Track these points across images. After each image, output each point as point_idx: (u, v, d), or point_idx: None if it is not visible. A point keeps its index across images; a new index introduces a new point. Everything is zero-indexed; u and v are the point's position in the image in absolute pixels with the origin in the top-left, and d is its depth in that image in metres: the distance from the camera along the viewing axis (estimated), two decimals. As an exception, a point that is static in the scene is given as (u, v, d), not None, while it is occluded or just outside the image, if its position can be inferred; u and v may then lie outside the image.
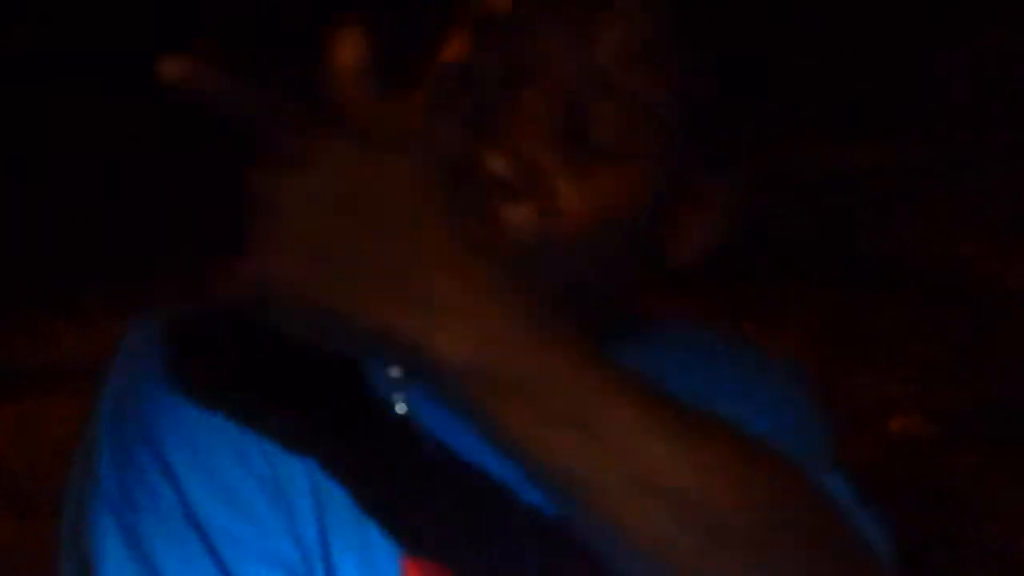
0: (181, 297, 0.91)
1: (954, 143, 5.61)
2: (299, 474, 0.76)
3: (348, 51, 0.60)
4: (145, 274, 4.89)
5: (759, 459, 0.66)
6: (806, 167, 5.18)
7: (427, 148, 0.63)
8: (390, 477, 0.78)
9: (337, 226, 0.60)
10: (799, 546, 0.66)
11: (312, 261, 0.60)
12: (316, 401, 0.76)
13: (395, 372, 0.77)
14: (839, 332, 4.53)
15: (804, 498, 0.68)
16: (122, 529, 0.74)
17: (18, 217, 5.87)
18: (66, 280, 5.26)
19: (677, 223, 0.81)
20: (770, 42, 0.94)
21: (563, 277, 0.75)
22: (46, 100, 6.47)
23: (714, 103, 0.79)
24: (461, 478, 0.79)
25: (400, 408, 0.78)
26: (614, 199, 0.76)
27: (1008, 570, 3.08)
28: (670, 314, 0.91)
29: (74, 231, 5.62)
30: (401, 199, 0.61)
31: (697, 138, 0.79)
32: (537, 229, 0.73)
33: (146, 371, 0.78)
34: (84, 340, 4.61)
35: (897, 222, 5.35)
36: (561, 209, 0.74)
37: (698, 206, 0.82)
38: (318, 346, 0.64)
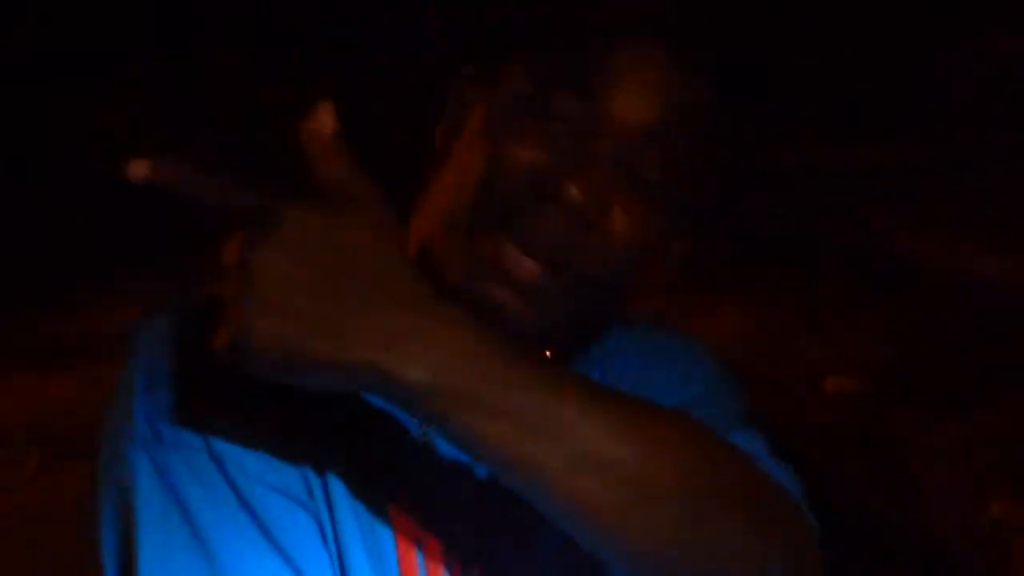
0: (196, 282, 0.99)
1: (954, 143, 5.63)
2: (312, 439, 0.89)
3: (320, 123, 0.72)
4: (145, 274, 5.00)
5: (678, 426, 0.78)
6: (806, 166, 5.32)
7: (381, 202, 0.73)
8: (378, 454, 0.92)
9: (306, 284, 0.69)
10: (715, 494, 0.77)
11: (287, 319, 0.69)
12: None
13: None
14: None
15: (715, 453, 0.80)
16: (152, 463, 0.87)
17: (18, 217, 5.89)
18: (66, 280, 5.39)
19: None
20: (770, 43, 0.96)
21: (576, 301, 0.91)
22: (46, 100, 6.50)
23: (738, 175, 0.97)
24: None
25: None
26: (649, 231, 0.91)
27: (936, 504, 3.48)
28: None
29: (74, 231, 5.68)
30: (362, 251, 0.71)
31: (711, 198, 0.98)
32: (569, 251, 0.89)
33: (171, 337, 0.92)
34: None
35: (896, 221, 5.50)
36: (614, 232, 0.90)
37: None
38: (299, 388, 0.73)
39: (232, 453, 0.87)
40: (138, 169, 0.69)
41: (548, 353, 0.95)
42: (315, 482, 0.89)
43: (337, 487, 0.89)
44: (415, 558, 0.92)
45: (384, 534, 0.90)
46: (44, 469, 4.00)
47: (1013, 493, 3.39)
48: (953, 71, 6.02)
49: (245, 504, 0.86)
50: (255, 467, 0.87)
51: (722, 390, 1.05)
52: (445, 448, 0.92)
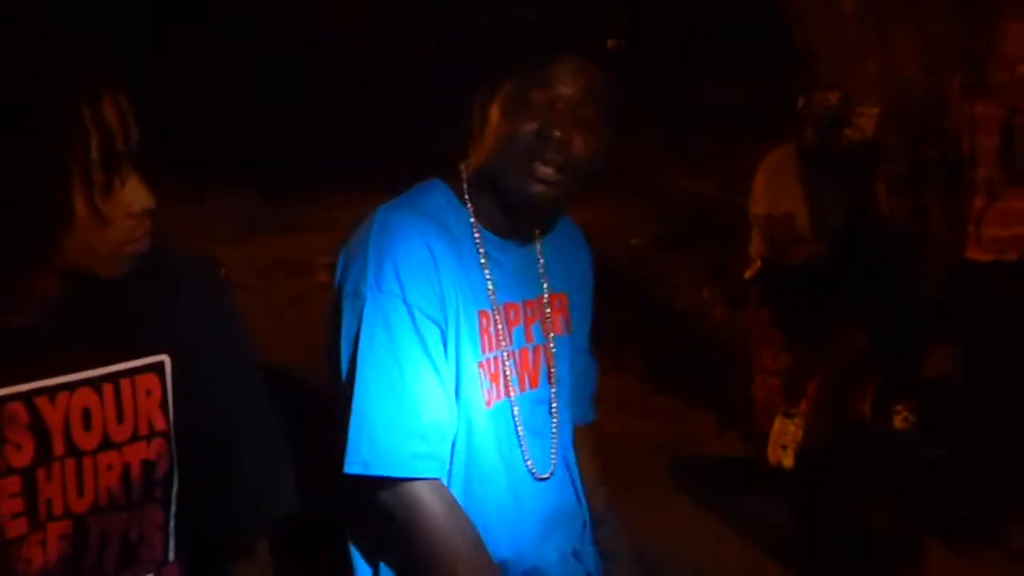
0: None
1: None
2: (445, 278, 1.73)
3: None
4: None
5: None
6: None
7: None
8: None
9: None
10: None
11: None
12: None
13: None
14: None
15: None
16: (376, 303, 1.67)
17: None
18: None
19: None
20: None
21: (570, 186, 1.76)
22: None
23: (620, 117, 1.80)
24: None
25: None
26: (593, 146, 1.75)
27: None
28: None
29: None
30: None
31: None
32: (564, 162, 1.72)
33: (398, 224, 1.73)
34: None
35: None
36: (579, 148, 1.73)
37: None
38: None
39: (411, 297, 1.67)
40: None
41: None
42: (448, 303, 1.72)
43: (454, 313, 1.73)
44: (493, 329, 1.79)
45: (475, 321, 1.76)
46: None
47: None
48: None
49: (415, 325, 1.67)
50: (419, 302, 1.68)
51: (592, 268, 2.05)
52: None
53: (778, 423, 4.51)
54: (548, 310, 1.89)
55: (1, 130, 1.09)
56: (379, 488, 1.65)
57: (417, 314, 1.68)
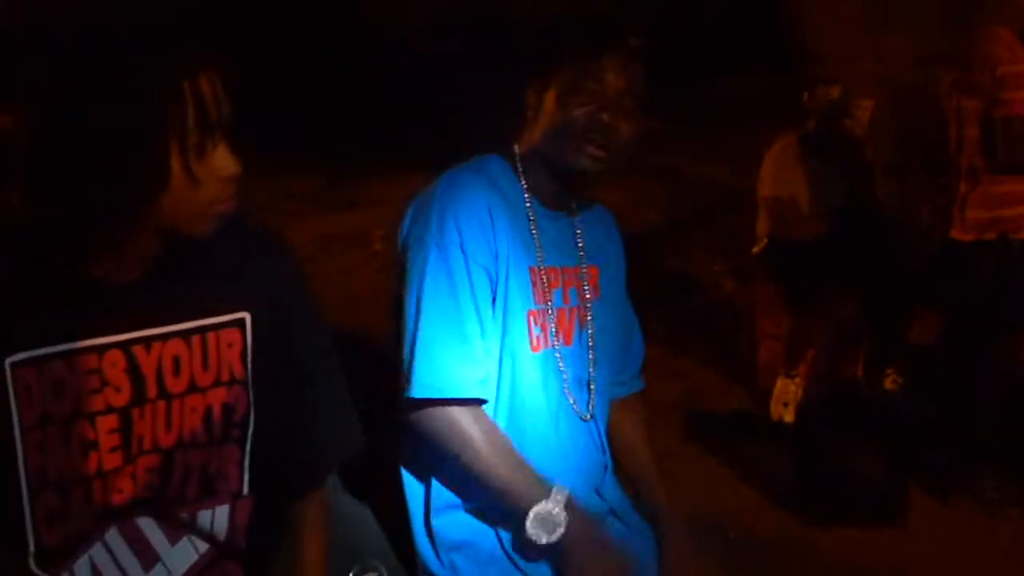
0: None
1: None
2: (500, 235, 1.78)
3: None
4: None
5: None
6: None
7: None
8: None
9: None
10: None
11: None
12: None
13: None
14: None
15: None
16: (439, 250, 1.74)
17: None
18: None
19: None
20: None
21: (613, 164, 1.82)
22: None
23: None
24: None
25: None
26: (635, 130, 1.82)
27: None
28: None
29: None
30: None
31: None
32: (609, 142, 1.80)
33: (461, 183, 1.81)
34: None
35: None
36: (623, 131, 1.81)
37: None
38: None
39: (468, 246, 1.74)
40: None
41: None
42: (500, 257, 1.78)
43: (505, 266, 1.78)
44: (540, 285, 1.83)
45: (526, 275, 1.82)
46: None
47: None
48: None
49: (469, 274, 1.74)
50: (475, 252, 1.75)
51: (623, 248, 2.09)
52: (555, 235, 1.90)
53: (780, 383, 4.52)
54: (584, 278, 1.92)
55: (113, 99, 1.12)
56: (436, 412, 1.71)
57: (472, 264, 1.74)
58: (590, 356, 1.91)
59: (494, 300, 1.79)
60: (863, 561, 3.29)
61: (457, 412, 1.71)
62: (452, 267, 1.73)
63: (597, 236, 1.99)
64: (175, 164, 1.17)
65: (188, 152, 1.18)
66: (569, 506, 1.69)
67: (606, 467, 1.96)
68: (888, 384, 4.47)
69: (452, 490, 1.80)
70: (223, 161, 1.22)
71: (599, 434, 1.94)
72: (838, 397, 4.33)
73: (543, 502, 1.68)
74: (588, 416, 1.89)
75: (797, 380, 4.46)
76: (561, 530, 1.67)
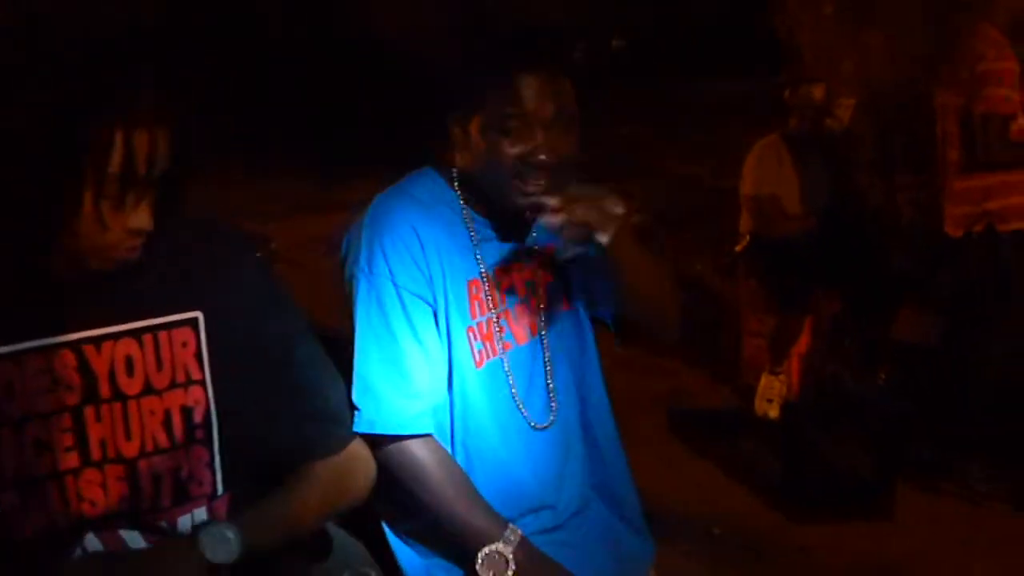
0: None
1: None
2: (432, 256, 1.68)
3: None
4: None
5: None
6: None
7: None
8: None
9: None
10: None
11: None
12: None
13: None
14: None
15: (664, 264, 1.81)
16: (368, 284, 1.67)
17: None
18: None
19: None
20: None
21: (556, 184, 1.64)
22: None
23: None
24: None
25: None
26: (572, 149, 1.69)
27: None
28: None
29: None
30: None
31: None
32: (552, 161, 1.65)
33: (388, 209, 1.72)
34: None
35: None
36: (557, 161, 1.65)
37: None
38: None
39: (399, 278, 1.66)
40: None
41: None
42: (435, 279, 1.68)
43: (441, 287, 1.69)
44: (482, 295, 1.72)
45: (463, 291, 1.71)
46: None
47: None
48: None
49: (403, 303, 1.66)
50: (406, 281, 1.66)
51: None
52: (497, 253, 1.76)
53: (764, 379, 4.50)
54: (538, 264, 1.81)
55: (39, 126, 1.16)
56: (386, 446, 1.63)
57: (404, 293, 1.66)
58: (546, 353, 1.79)
59: (437, 323, 1.70)
60: (850, 556, 3.26)
61: (408, 445, 1.65)
62: (384, 299, 1.66)
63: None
64: (86, 202, 1.19)
65: (102, 199, 1.19)
66: (522, 547, 1.63)
67: (602, 462, 1.86)
68: (879, 379, 4.44)
69: (410, 523, 1.74)
70: (136, 215, 1.23)
71: (564, 436, 1.82)
72: (824, 393, 4.31)
73: (496, 543, 1.62)
74: (549, 423, 1.78)
75: (781, 377, 4.46)
76: (511, 571, 1.61)
